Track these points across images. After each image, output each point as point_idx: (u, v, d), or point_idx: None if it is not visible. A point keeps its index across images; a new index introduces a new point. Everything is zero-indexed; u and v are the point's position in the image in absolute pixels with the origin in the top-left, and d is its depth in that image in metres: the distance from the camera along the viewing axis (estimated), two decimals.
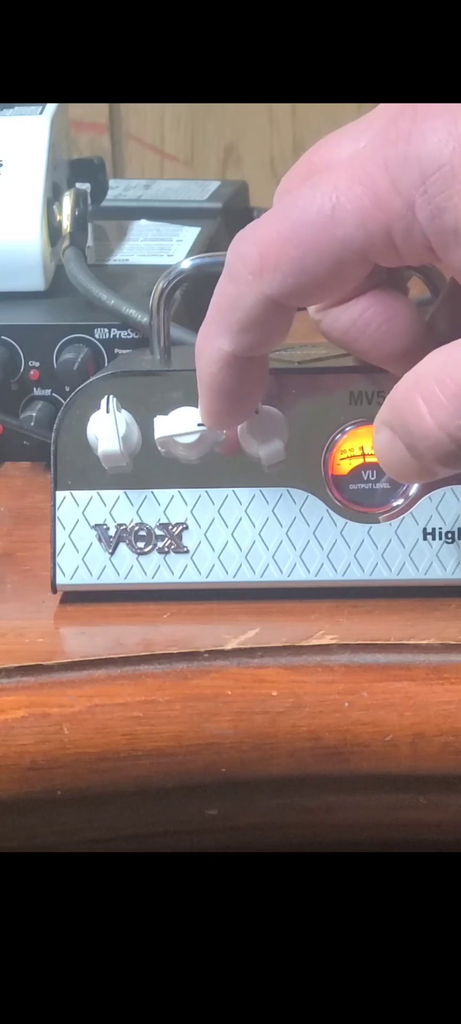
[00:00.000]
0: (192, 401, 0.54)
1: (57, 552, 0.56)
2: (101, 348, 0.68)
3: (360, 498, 0.55)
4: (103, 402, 0.55)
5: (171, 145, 1.16)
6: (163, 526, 0.56)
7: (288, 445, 0.55)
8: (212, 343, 0.50)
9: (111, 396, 0.55)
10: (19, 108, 0.76)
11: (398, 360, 0.51)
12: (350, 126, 0.52)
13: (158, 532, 0.56)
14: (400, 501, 0.55)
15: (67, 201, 0.73)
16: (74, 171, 0.80)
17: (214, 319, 0.50)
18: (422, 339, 0.52)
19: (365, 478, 0.55)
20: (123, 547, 0.56)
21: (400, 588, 0.55)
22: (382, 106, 0.51)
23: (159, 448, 0.55)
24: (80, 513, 0.56)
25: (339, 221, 0.47)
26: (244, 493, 0.55)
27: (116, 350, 0.68)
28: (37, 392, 0.69)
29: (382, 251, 0.48)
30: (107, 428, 0.55)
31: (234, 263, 0.49)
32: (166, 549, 0.56)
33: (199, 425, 0.54)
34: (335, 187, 0.48)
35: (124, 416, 0.55)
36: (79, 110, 1.10)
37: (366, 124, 0.50)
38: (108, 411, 0.55)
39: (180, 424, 0.54)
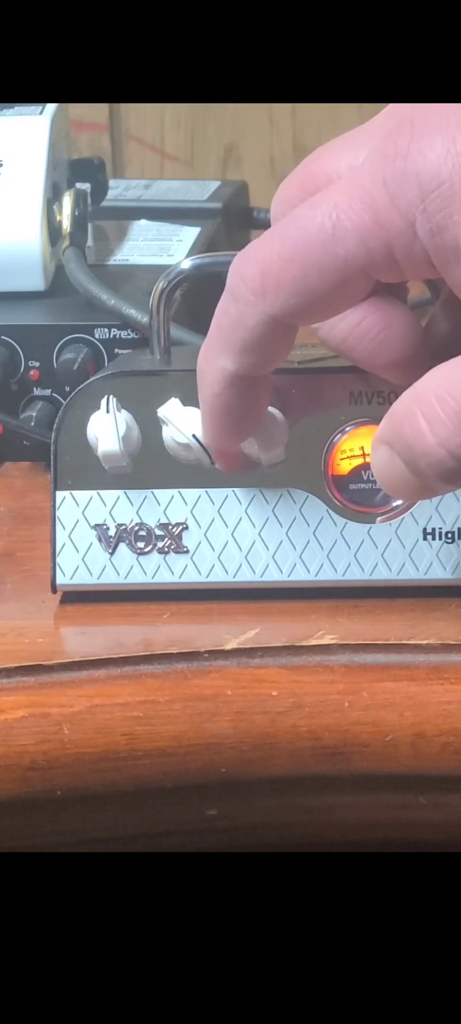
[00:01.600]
0: (193, 402, 0.54)
1: (57, 552, 0.56)
2: (101, 348, 0.68)
3: (360, 498, 0.55)
4: (103, 402, 0.55)
5: (171, 145, 1.16)
6: (163, 526, 0.56)
7: (288, 445, 0.55)
8: (215, 363, 0.50)
9: (111, 396, 0.55)
10: (19, 108, 0.76)
11: (396, 368, 0.51)
12: (349, 135, 0.52)
13: (158, 532, 0.56)
14: (400, 502, 0.55)
15: (67, 201, 0.73)
16: (74, 171, 0.80)
17: (216, 339, 0.50)
18: (420, 347, 0.52)
19: (365, 478, 0.55)
20: (123, 547, 0.56)
21: (400, 588, 0.55)
22: (380, 116, 0.51)
23: (160, 419, 0.55)
24: (80, 513, 0.56)
25: (340, 239, 0.47)
26: (244, 493, 0.56)
27: (116, 350, 0.68)
28: (37, 392, 0.69)
29: (384, 267, 0.48)
30: (107, 428, 0.55)
31: (236, 284, 0.49)
32: (166, 549, 0.56)
33: (193, 436, 0.54)
34: (335, 205, 0.48)
35: (124, 416, 0.55)
36: (79, 110, 1.10)
37: (365, 136, 0.50)
38: (108, 411, 0.55)
39: (183, 422, 0.54)
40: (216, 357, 0.50)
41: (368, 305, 0.50)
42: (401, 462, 0.48)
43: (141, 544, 0.56)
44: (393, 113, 0.49)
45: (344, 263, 0.48)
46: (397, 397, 0.49)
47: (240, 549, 0.56)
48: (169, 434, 0.55)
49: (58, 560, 0.56)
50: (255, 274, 0.49)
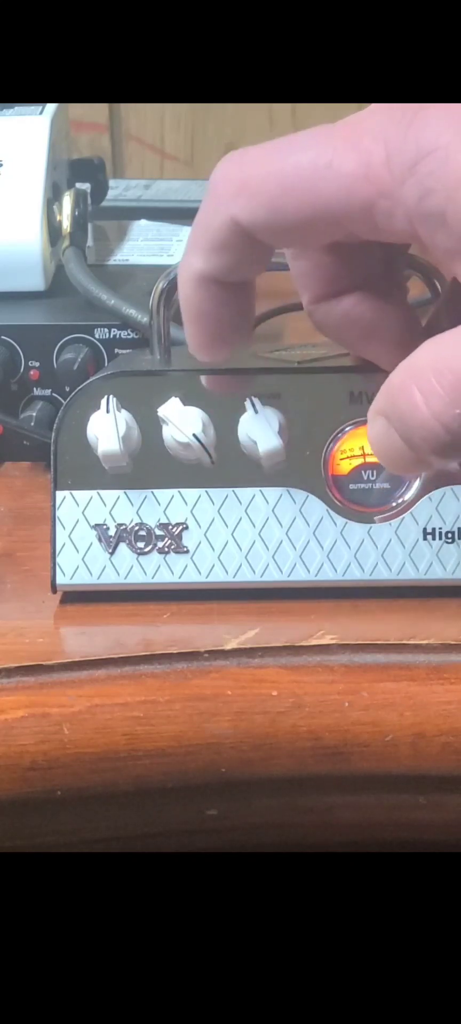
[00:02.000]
0: (193, 402, 0.54)
1: (57, 552, 0.56)
2: (101, 348, 0.68)
3: (360, 498, 0.55)
4: (103, 402, 0.55)
5: (171, 145, 1.16)
6: (163, 526, 0.56)
7: (288, 445, 0.55)
8: (188, 261, 0.50)
9: (111, 396, 0.55)
10: (19, 108, 0.76)
11: (391, 355, 0.51)
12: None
13: (158, 532, 0.56)
14: (399, 501, 0.55)
15: (67, 201, 0.73)
16: (74, 171, 0.80)
17: (191, 238, 0.50)
18: (415, 336, 0.52)
19: (365, 478, 0.55)
20: (123, 547, 0.56)
21: (400, 588, 0.55)
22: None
23: (160, 419, 0.55)
24: (80, 513, 0.56)
25: (327, 179, 0.48)
26: (244, 493, 0.56)
27: (116, 350, 0.68)
28: (37, 392, 0.69)
29: (359, 222, 0.48)
30: (107, 428, 0.55)
31: (216, 181, 0.49)
32: (166, 549, 0.56)
33: (194, 436, 0.54)
34: (333, 148, 0.48)
35: (124, 416, 0.55)
36: (79, 110, 1.10)
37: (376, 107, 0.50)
38: (108, 411, 0.55)
39: (183, 422, 0.54)
40: (189, 255, 0.50)
41: (364, 292, 0.50)
42: (397, 435, 0.48)
43: (141, 544, 0.56)
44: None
45: (323, 203, 0.48)
46: None
47: (240, 549, 0.56)
48: (169, 433, 0.55)
49: (58, 560, 0.56)
50: (236, 176, 0.49)
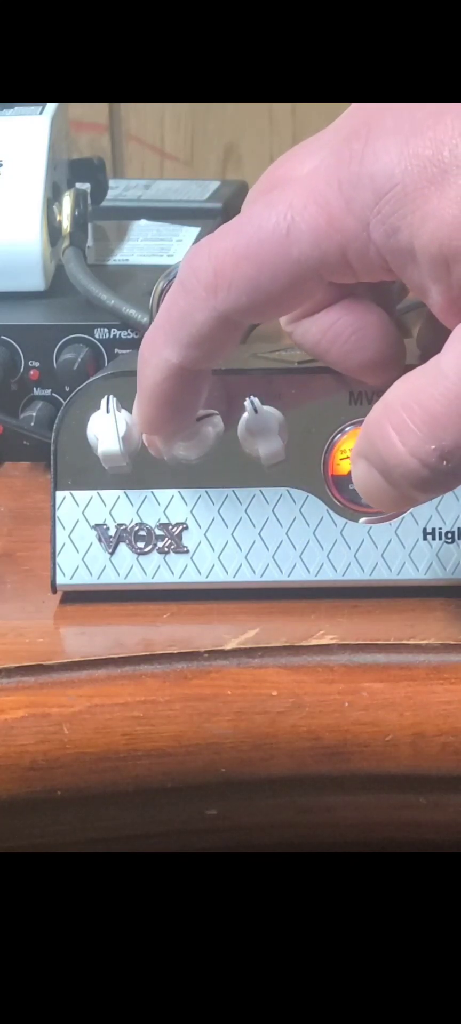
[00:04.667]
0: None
1: (57, 552, 0.56)
2: (101, 348, 0.68)
3: (360, 498, 0.55)
4: (103, 402, 0.55)
5: (171, 145, 1.16)
6: (163, 526, 0.56)
7: (288, 445, 0.55)
8: (159, 352, 0.51)
9: (111, 396, 0.55)
10: (19, 108, 0.76)
11: (372, 369, 0.52)
12: (311, 141, 0.52)
13: (158, 532, 0.56)
14: None
15: (67, 201, 0.73)
16: (74, 171, 0.80)
17: (163, 329, 0.50)
18: (395, 348, 0.52)
19: None
20: (123, 547, 0.56)
21: (400, 588, 0.55)
22: (341, 118, 0.51)
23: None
24: (80, 513, 0.56)
25: (294, 240, 0.48)
26: (244, 493, 0.55)
27: (116, 350, 0.68)
28: (37, 392, 0.69)
29: (337, 270, 0.48)
30: (107, 428, 0.55)
31: (188, 277, 0.49)
32: (166, 549, 0.56)
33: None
34: (290, 206, 0.48)
35: (124, 416, 0.55)
36: (79, 110, 1.10)
37: (326, 140, 0.51)
38: (108, 411, 0.55)
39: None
40: (162, 347, 0.50)
41: (341, 307, 0.50)
42: (378, 474, 0.48)
43: (141, 544, 0.56)
44: (352, 116, 0.50)
45: (297, 264, 0.48)
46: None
47: (240, 549, 0.56)
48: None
49: (58, 560, 0.56)
50: (208, 269, 0.49)
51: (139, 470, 0.56)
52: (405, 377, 0.47)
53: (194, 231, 0.81)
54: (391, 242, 0.47)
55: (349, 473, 0.55)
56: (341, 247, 0.47)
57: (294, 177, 0.50)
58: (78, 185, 0.77)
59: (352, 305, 0.50)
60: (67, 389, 0.67)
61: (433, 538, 0.55)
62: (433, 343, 0.54)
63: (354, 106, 0.51)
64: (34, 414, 0.68)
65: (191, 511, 0.56)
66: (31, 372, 0.68)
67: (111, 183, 0.86)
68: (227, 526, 0.56)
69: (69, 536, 0.56)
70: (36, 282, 0.72)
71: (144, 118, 1.15)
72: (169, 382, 0.51)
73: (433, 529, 0.55)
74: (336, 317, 0.50)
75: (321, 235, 0.47)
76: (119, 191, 0.91)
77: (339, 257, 0.48)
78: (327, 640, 0.53)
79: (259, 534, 0.56)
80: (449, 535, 0.55)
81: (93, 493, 0.56)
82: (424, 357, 0.54)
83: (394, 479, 0.47)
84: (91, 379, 0.57)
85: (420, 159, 0.46)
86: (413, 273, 0.47)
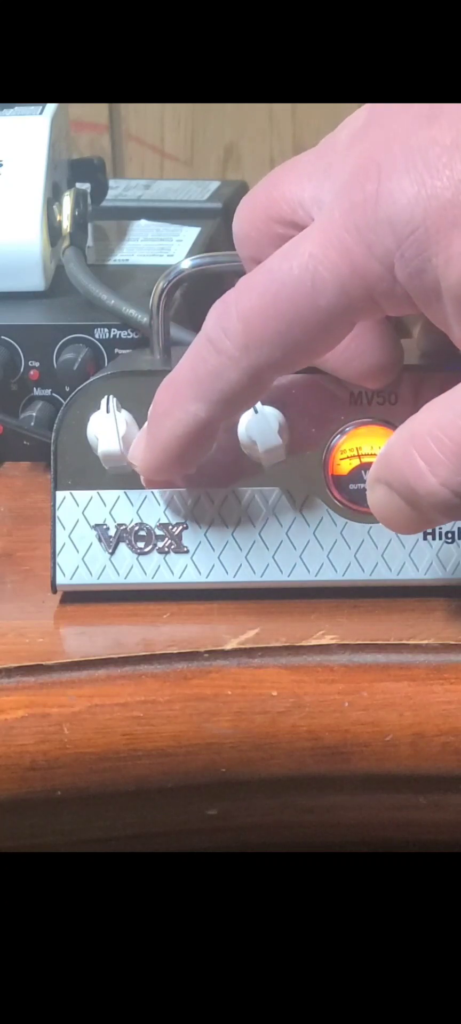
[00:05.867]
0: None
1: (57, 552, 0.56)
2: (101, 348, 0.68)
3: (360, 498, 0.55)
4: (103, 402, 0.55)
5: (171, 145, 1.16)
6: (163, 526, 0.56)
7: (288, 445, 0.55)
8: (186, 407, 0.51)
9: (111, 396, 0.55)
10: (19, 108, 0.76)
11: (372, 375, 0.52)
12: (307, 159, 0.52)
13: (158, 532, 0.56)
14: None
15: (67, 201, 0.73)
16: (74, 171, 0.80)
17: (190, 384, 0.50)
18: (394, 352, 0.52)
19: (365, 478, 0.55)
20: (123, 547, 0.56)
21: (400, 588, 0.55)
22: (341, 135, 0.51)
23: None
24: (80, 513, 0.56)
25: (320, 291, 0.48)
26: (244, 493, 0.56)
27: (116, 350, 0.68)
28: (37, 392, 0.69)
29: (365, 310, 0.48)
30: (107, 428, 0.55)
31: (218, 337, 0.49)
32: (166, 549, 0.56)
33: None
34: (311, 256, 0.48)
35: (124, 416, 0.55)
36: (79, 110, 1.10)
37: (326, 163, 0.50)
38: (108, 411, 0.55)
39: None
40: (189, 402, 0.51)
41: (352, 333, 0.50)
42: (401, 500, 0.48)
43: (141, 544, 0.56)
44: (356, 143, 0.49)
45: (326, 313, 0.48)
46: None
47: (240, 549, 0.56)
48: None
49: (58, 560, 0.56)
50: (237, 330, 0.49)
51: None
52: (431, 406, 0.48)
53: (194, 231, 0.81)
54: (416, 283, 0.47)
55: (349, 473, 0.55)
56: (367, 291, 0.47)
57: (297, 203, 0.50)
58: (78, 185, 0.77)
59: None
60: (67, 389, 0.67)
61: (433, 538, 0.55)
62: (433, 344, 0.54)
63: (353, 125, 0.50)
64: (34, 414, 0.68)
65: (191, 511, 0.56)
66: (31, 372, 0.68)
67: (111, 183, 0.86)
68: (227, 526, 0.56)
69: (69, 536, 0.56)
70: (36, 282, 0.72)
71: (144, 118, 1.15)
72: (192, 435, 0.51)
73: (433, 529, 0.55)
74: None
75: (346, 282, 0.47)
76: (119, 191, 0.91)
77: (366, 300, 0.48)
78: (327, 640, 0.53)
79: (259, 534, 0.56)
80: (449, 535, 0.55)
81: (93, 493, 0.56)
82: (424, 357, 0.54)
83: (421, 507, 0.48)
84: (91, 379, 0.57)
85: (440, 201, 0.46)
86: (438, 311, 0.47)
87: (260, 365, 0.49)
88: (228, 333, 0.49)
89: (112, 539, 0.56)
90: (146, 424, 0.53)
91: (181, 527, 0.56)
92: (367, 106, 0.51)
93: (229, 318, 0.49)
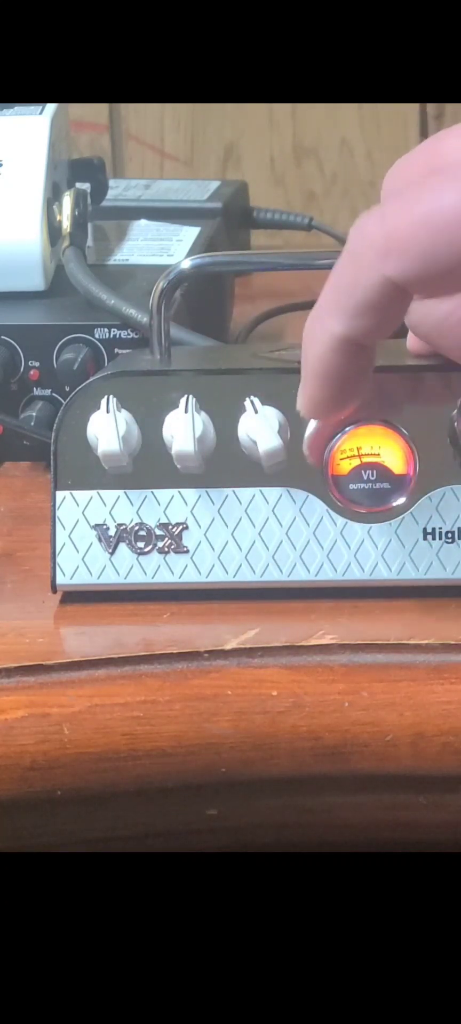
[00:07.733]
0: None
1: (57, 552, 0.56)
2: (101, 348, 0.68)
3: (360, 498, 0.55)
4: (103, 402, 0.55)
5: (171, 145, 1.16)
6: (163, 526, 0.56)
7: (288, 445, 0.55)
8: (324, 325, 0.49)
9: (111, 396, 0.55)
10: (19, 108, 0.76)
11: None
12: None
13: (158, 532, 0.56)
14: (400, 500, 0.55)
15: (67, 201, 0.73)
16: (74, 171, 0.80)
17: (330, 298, 0.49)
18: None
19: (365, 478, 0.55)
20: (123, 547, 0.56)
21: (400, 588, 0.55)
22: None
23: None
24: (80, 513, 0.56)
25: None
26: (244, 493, 0.56)
27: (116, 350, 0.68)
28: (37, 392, 0.69)
29: None
30: (107, 428, 0.55)
31: (358, 243, 0.48)
32: (166, 549, 0.56)
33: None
34: None
35: (124, 416, 0.55)
36: (79, 110, 1.10)
37: None
38: (108, 411, 0.55)
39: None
40: (327, 318, 0.49)
41: (459, 298, 0.49)
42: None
43: (141, 544, 0.56)
44: None
45: None
46: None
47: (240, 549, 0.56)
48: (174, 448, 0.55)
49: (58, 560, 0.56)
50: (380, 235, 0.48)
51: (139, 470, 0.56)
52: None
53: (194, 231, 0.81)
54: None
55: (349, 473, 0.55)
56: None
57: (459, 152, 0.49)
58: (78, 185, 0.77)
59: None
60: (67, 389, 0.67)
61: (433, 538, 0.55)
62: (422, 348, 0.53)
63: None
64: (34, 414, 0.68)
65: (191, 511, 0.56)
66: (31, 372, 0.68)
67: (111, 183, 0.86)
68: (227, 526, 0.56)
69: (69, 536, 0.56)
70: (36, 282, 0.72)
71: (144, 118, 1.15)
72: (335, 356, 0.49)
73: (433, 529, 0.55)
74: (453, 309, 0.49)
75: None
76: (119, 191, 0.92)
77: None
78: (327, 640, 0.53)
79: (259, 534, 0.56)
80: (449, 535, 0.55)
81: (93, 493, 0.56)
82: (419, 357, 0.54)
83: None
84: (91, 379, 0.57)
85: None
86: None
87: (397, 275, 0.47)
88: (369, 239, 0.48)
89: (112, 539, 0.56)
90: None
91: (181, 527, 0.56)
92: None
93: (373, 224, 0.48)
